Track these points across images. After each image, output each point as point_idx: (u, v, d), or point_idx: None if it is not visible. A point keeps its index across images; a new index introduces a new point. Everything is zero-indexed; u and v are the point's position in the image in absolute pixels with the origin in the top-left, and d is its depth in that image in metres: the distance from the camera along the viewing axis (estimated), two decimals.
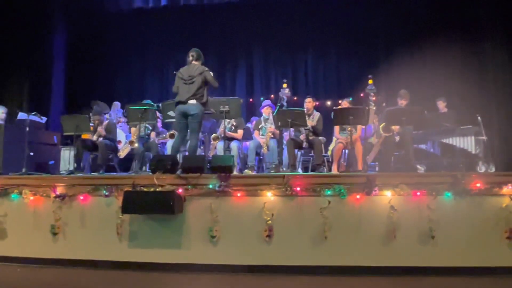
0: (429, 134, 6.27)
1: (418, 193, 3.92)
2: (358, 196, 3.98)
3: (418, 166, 5.87)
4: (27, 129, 5.80)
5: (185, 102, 4.98)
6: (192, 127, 5.11)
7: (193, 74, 5.03)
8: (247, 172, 6.05)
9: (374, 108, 6.64)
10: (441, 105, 6.57)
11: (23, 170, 5.40)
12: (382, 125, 6.02)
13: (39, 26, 8.34)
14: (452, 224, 3.91)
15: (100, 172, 5.82)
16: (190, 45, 7.99)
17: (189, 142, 5.29)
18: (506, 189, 3.86)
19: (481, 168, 5.78)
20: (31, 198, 4.38)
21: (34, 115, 6.47)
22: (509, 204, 3.81)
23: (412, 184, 3.98)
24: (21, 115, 6.65)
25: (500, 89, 7.22)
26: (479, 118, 6.01)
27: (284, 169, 5.78)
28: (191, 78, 5.03)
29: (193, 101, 4.99)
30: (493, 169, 5.92)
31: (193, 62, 5.15)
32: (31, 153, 5.93)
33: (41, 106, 7.93)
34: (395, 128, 5.85)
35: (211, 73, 5.16)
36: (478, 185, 3.89)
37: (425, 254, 3.91)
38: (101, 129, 6.24)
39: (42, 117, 6.77)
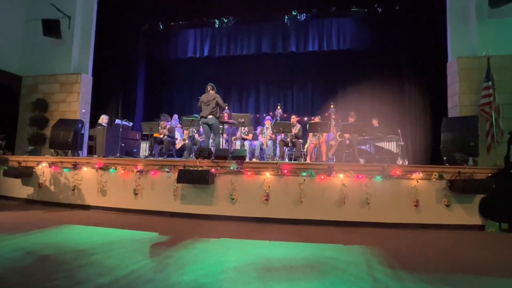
0: (367, 140, 6.67)
1: (360, 176, 4.22)
2: (322, 177, 4.28)
3: (360, 160, 6.24)
4: (120, 130, 6.46)
5: (206, 117, 5.61)
6: (214, 133, 5.70)
7: (210, 99, 5.64)
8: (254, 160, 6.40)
9: (334, 122, 7.12)
10: (375, 122, 7.09)
11: (117, 154, 5.93)
12: (338, 133, 6.44)
13: (129, 67, 9.51)
14: (380, 196, 4.19)
15: (164, 157, 6.35)
16: (221, 81, 9.29)
17: (215, 140, 5.90)
18: (414, 175, 4.22)
19: (399, 162, 6.20)
20: (122, 171, 4.82)
21: (124, 121, 7.17)
22: (416, 185, 4.17)
23: (356, 170, 4.27)
24: (117, 121, 7.27)
25: (412, 113, 7.85)
26: (399, 130, 6.51)
27: (277, 159, 6.22)
28: (208, 101, 5.66)
29: (210, 116, 5.62)
30: (406, 163, 6.33)
31: (210, 91, 5.73)
32: (123, 144, 6.57)
33: (129, 116, 9.02)
34: (347, 135, 6.29)
35: (219, 98, 5.74)
36: (397, 172, 4.22)
37: (363, 213, 4.20)
38: (165, 130, 6.92)
39: (129, 122, 7.43)
